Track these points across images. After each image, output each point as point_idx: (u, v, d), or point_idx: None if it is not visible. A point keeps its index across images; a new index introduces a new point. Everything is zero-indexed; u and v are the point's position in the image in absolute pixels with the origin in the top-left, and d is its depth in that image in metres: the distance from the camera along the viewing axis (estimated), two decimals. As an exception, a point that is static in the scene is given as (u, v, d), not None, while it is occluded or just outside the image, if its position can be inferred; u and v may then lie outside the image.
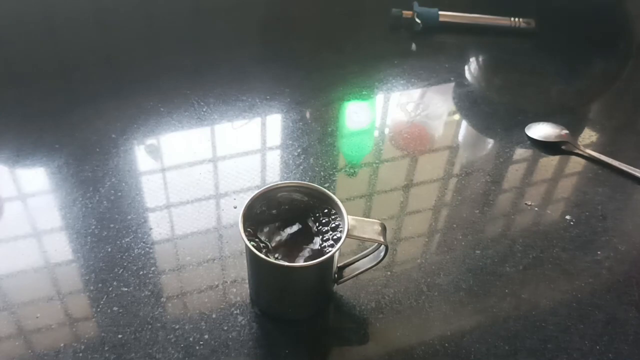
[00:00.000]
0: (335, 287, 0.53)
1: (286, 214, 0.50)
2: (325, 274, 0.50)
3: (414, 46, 0.93)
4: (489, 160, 0.72)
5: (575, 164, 0.72)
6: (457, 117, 0.80)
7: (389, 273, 0.57)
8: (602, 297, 0.56)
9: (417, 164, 0.71)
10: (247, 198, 0.49)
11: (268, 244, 0.48)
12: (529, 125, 0.75)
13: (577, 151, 0.72)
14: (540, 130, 0.74)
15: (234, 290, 0.54)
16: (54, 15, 0.91)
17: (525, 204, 0.66)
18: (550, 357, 0.51)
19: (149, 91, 0.78)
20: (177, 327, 0.51)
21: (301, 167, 0.68)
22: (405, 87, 0.83)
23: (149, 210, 0.62)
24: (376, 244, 0.50)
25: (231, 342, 0.50)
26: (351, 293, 0.54)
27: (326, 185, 0.66)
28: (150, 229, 0.60)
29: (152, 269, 0.56)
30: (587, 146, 0.73)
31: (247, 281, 0.54)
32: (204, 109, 0.75)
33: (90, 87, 0.78)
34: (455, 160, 0.72)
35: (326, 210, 0.50)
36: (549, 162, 0.72)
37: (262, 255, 0.45)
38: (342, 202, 0.49)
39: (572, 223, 0.63)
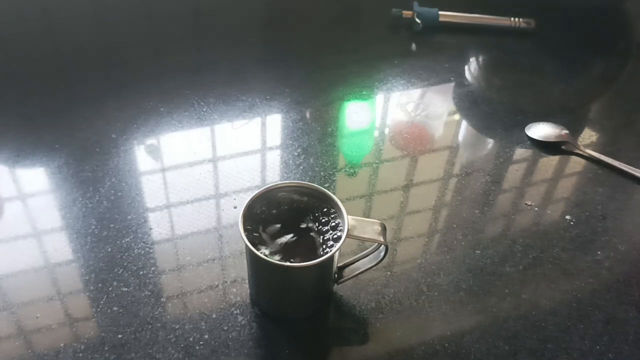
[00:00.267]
0: (335, 287, 0.53)
1: (286, 214, 0.50)
2: (325, 274, 0.51)
3: (414, 46, 0.93)
4: (489, 160, 0.72)
5: (575, 164, 0.72)
6: (457, 117, 0.80)
7: (389, 273, 0.57)
8: (602, 297, 0.56)
9: (417, 164, 0.71)
10: (247, 198, 0.49)
11: (268, 244, 0.48)
12: (529, 125, 0.75)
13: (577, 151, 0.72)
14: (540, 130, 0.74)
15: (234, 290, 0.54)
16: (54, 15, 0.91)
17: (525, 204, 0.66)
18: (550, 357, 0.51)
19: (149, 91, 0.78)
20: (177, 327, 0.51)
21: (301, 167, 0.68)
22: (405, 87, 0.83)
23: (149, 210, 0.62)
24: (376, 244, 0.50)
25: (231, 342, 0.50)
26: (351, 293, 0.54)
27: (326, 185, 0.66)
28: (150, 229, 0.60)
29: (152, 269, 0.56)
30: (587, 146, 0.73)
31: (247, 281, 0.54)
32: (204, 109, 0.75)
33: (90, 87, 0.78)
34: (455, 160, 0.72)
35: (326, 210, 0.50)
36: (549, 162, 0.72)
37: (262, 255, 0.45)
38: (342, 202, 0.49)
39: (572, 223, 0.63)
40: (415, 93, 0.82)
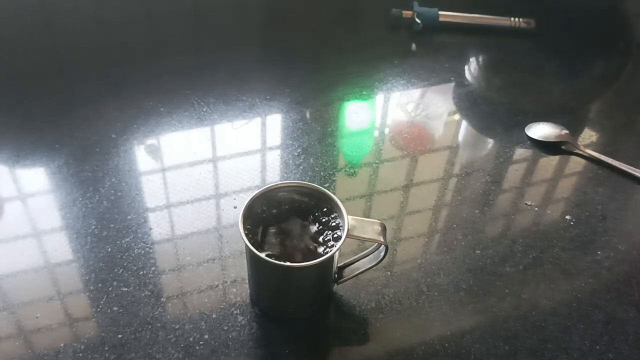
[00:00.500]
0: (335, 287, 0.53)
1: (286, 214, 0.50)
2: (325, 274, 0.51)
3: (414, 46, 0.93)
4: (489, 160, 0.72)
5: (575, 164, 0.72)
6: (457, 117, 0.80)
7: (389, 273, 0.57)
8: (602, 297, 0.56)
9: (417, 164, 0.71)
10: (247, 198, 0.49)
11: (268, 243, 0.48)
12: (529, 125, 0.75)
13: (577, 151, 0.72)
14: (540, 130, 0.74)
15: (234, 290, 0.54)
16: (54, 15, 0.91)
17: (525, 204, 0.66)
18: (550, 357, 0.51)
19: (149, 91, 0.78)
20: (177, 327, 0.51)
21: (301, 167, 0.68)
22: (405, 87, 0.83)
23: (149, 210, 0.62)
24: (376, 244, 0.50)
25: (231, 342, 0.50)
26: (351, 293, 0.54)
27: (326, 185, 0.66)
28: (150, 229, 0.60)
29: (152, 269, 0.56)
30: (587, 146, 0.73)
31: (247, 281, 0.54)
32: (204, 109, 0.75)
33: (90, 87, 0.78)
34: (455, 160, 0.72)
35: (326, 210, 0.50)
36: (549, 162, 0.72)
37: (262, 256, 0.45)
38: (342, 202, 0.49)
39: (572, 223, 0.63)
40: (415, 93, 0.82)
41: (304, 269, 0.46)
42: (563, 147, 0.73)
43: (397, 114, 0.78)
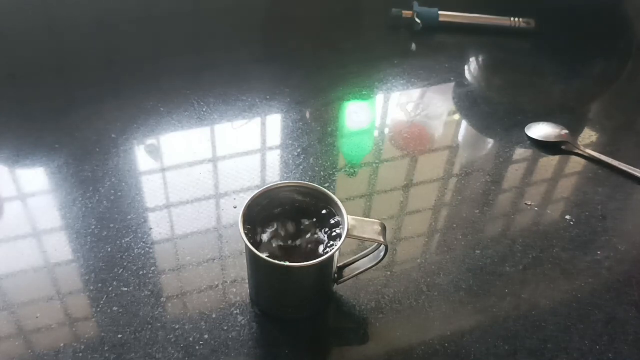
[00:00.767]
0: (335, 287, 0.53)
1: (286, 214, 0.50)
2: (325, 274, 0.50)
3: (414, 46, 0.93)
4: (489, 160, 0.72)
5: (575, 164, 0.72)
6: (457, 117, 0.80)
7: (389, 273, 0.57)
8: (602, 297, 0.56)
9: (417, 164, 0.71)
10: (247, 198, 0.49)
11: (268, 244, 0.48)
12: (529, 125, 0.75)
13: (577, 151, 0.72)
14: (540, 130, 0.74)
15: (234, 290, 0.54)
16: (54, 15, 0.91)
17: (525, 204, 0.66)
18: (550, 357, 0.51)
19: (149, 91, 0.78)
20: (177, 327, 0.51)
21: (301, 167, 0.68)
22: (405, 87, 0.83)
23: (149, 210, 0.62)
24: (376, 244, 0.50)
25: (231, 342, 0.50)
26: (351, 293, 0.54)
27: (326, 185, 0.66)
28: (150, 229, 0.60)
29: (152, 269, 0.56)
30: (587, 146, 0.73)
31: (247, 281, 0.54)
32: (204, 109, 0.75)
33: (90, 87, 0.78)
34: (455, 160, 0.72)
35: (326, 210, 0.50)
36: (549, 162, 0.72)
37: (262, 255, 0.45)
38: (342, 202, 0.49)
39: (572, 223, 0.63)
40: (415, 93, 0.82)
41: (304, 269, 0.46)
42: (563, 147, 0.73)
43: (397, 114, 0.78)
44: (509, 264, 0.58)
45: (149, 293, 0.54)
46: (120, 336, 0.50)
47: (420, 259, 0.59)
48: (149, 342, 0.50)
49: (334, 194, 0.50)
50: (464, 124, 0.79)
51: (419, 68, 0.86)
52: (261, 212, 0.50)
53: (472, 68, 0.90)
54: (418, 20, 0.93)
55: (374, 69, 0.86)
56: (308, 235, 0.49)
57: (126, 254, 0.57)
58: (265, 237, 0.48)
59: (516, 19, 0.95)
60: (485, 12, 0.96)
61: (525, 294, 0.56)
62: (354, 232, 0.48)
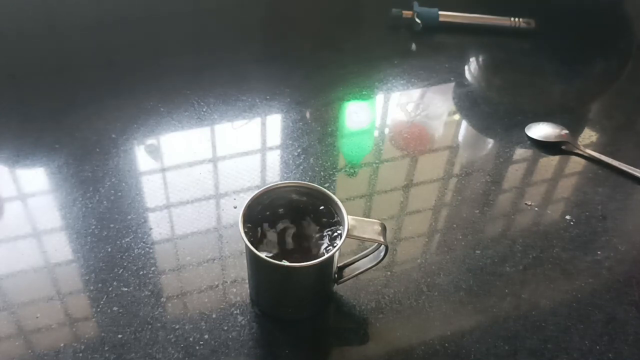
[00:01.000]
0: (335, 287, 0.53)
1: (286, 214, 0.50)
2: (325, 274, 0.50)
3: (414, 46, 0.93)
4: (489, 160, 0.72)
5: (575, 164, 0.72)
6: (457, 117, 0.80)
7: (389, 273, 0.57)
8: (602, 297, 0.56)
9: (417, 164, 0.71)
10: (247, 198, 0.49)
11: (268, 244, 0.48)
12: (529, 125, 0.75)
13: (577, 151, 0.72)
14: (540, 130, 0.74)
15: (234, 290, 0.54)
16: (54, 15, 0.91)
17: (525, 204, 0.66)
18: (550, 357, 0.51)
19: (149, 91, 0.78)
20: (177, 327, 0.51)
21: (301, 167, 0.68)
22: (405, 87, 0.83)
23: (149, 210, 0.62)
24: (376, 244, 0.50)
25: (231, 342, 0.50)
26: (351, 293, 0.54)
27: (326, 185, 0.66)
28: (150, 229, 0.60)
29: (152, 269, 0.56)
30: (587, 146, 0.73)
31: (247, 281, 0.54)
32: (204, 109, 0.75)
33: (90, 87, 0.78)
34: (455, 160, 0.72)
35: (326, 210, 0.50)
36: (549, 162, 0.72)
37: (262, 255, 0.45)
38: (342, 202, 0.49)
39: (572, 223, 0.63)
40: (415, 93, 0.82)
41: (304, 269, 0.46)
42: (563, 147, 0.73)
43: (397, 114, 0.78)
44: (509, 264, 0.58)
45: (149, 293, 0.54)
46: (120, 336, 0.50)
47: (420, 259, 0.59)
48: (149, 342, 0.50)
49: (334, 194, 0.50)
50: (464, 124, 0.79)
51: (419, 68, 0.86)
52: (261, 212, 0.50)
53: (472, 68, 0.90)
54: (418, 20, 0.93)
55: (374, 69, 0.86)
56: (308, 235, 0.49)
57: (126, 254, 0.57)
58: (265, 237, 0.48)
59: (516, 19, 0.95)
60: (485, 12, 0.96)
61: (525, 294, 0.56)
62: (354, 232, 0.48)
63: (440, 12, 0.94)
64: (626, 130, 0.78)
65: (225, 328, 0.51)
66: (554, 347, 0.51)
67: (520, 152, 0.73)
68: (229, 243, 0.59)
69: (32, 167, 0.66)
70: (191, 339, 0.50)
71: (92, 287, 0.54)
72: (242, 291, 0.54)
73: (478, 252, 0.59)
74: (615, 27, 1.01)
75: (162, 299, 0.53)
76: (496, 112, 0.79)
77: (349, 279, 0.52)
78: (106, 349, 0.49)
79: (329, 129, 0.74)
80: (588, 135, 0.77)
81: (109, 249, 0.57)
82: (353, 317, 0.53)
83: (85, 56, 0.85)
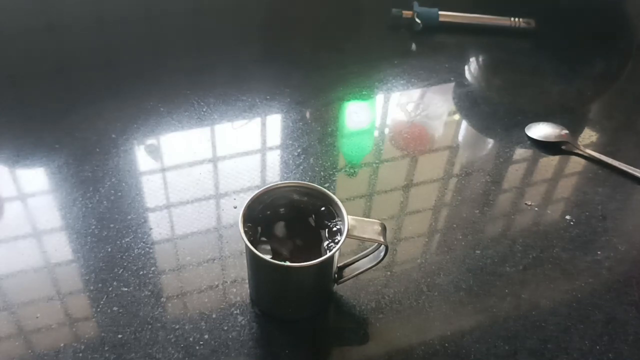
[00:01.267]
0: (335, 287, 0.53)
1: (286, 214, 0.50)
2: (325, 274, 0.50)
3: (414, 46, 0.93)
4: (489, 160, 0.72)
5: (575, 164, 0.72)
6: (457, 117, 0.80)
7: (389, 273, 0.57)
8: (602, 297, 0.56)
9: (417, 164, 0.71)
10: (247, 198, 0.49)
11: (268, 244, 0.48)
12: (529, 125, 0.75)
13: (577, 151, 0.72)
14: (540, 130, 0.74)
15: (234, 290, 0.54)
16: (54, 15, 0.91)
17: (525, 204, 0.66)
18: (550, 357, 0.51)
19: (149, 91, 0.78)
20: (177, 327, 0.51)
21: (301, 167, 0.68)
22: (405, 87, 0.83)
23: (149, 210, 0.62)
24: (376, 244, 0.50)
25: (231, 342, 0.50)
26: (351, 293, 0.54)
27: (326, 185, 0.66)
28: (150, 229, 0.60)
29: (152, 269, 0.56)
30: (587, 146, 0.73)
31: (247, 281, 0.54)
32: (204, 109, 0.75)
33: (90, 87, 0.78)
34: (455, 160, 0.72)
35: (326, 211, 0.50)
36: (549, 162, 0.72)
37: (262, 255, 0.45)
38: (342, 202, 0.49)
39: (572, 223, 0.63)
40: (415, 93, 0.82)
41: (304, 269, 0.46)
42: (563, 147, 0.73)
43: (397, 114, 0.78)
44: (509, 264, 0.58)
45: (149, 293, 0.54)
46: (120, 336, 0.50)
47: (420, 259, 0.59)
48: (149, 342, 0.50)
49: (334, 194, 0.50)
50: (464, 124, 0.79)
51: (419, 68, 0.86)
52: (261, 212, 0.50)
53: (472, 68, 0.90)
54: (418, 20, 0.93)
55: (374, 69, 0.86)
56: (308, 235, 0.49)
57: (126, 254, 0.57)
58: (265, 237, 0.48)
59: (516, 19, 0.95)
60: (485, 12, 0.96)
61: (525, 294, 0.56)
62: (354, 232, 0.48)
63: (440, 12, 0.94)
64: (626, 130, 0.78)
65: (225, 328, 0.51)
66: (554, 347, 0.51)
67: (520, 152, 0.73)
68: (229, 243, 0.59)
69: (32, 167, 0.66)
70: (191, 339, 0.50)
71: (92, 287, 0.54)
72: (242, 291, 0.54)
73: (478, 252, 0.59)
74: (615, 27, 1.01)
75: (162, 299, 0.53)
76: (496, 112, 0.79)
77: (349, 279, 0.52)
78: (106, 349, 0.49)
79: (329, 129, 0.74)
80: (588, 135, 0.77)
81: (109, 249, 0.57)
82: (353, 317, 0.53)
83: (85, 56, 0.85)
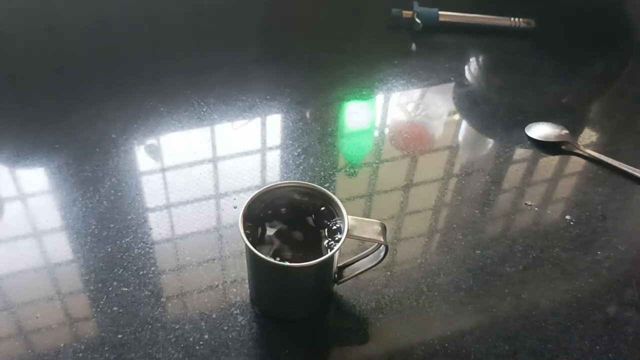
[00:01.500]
0: (335, 287, 0.53)
1: (286, 214, 0.50)
2: (325, 274, 0.50)
3: (414, 46, 0.93)
4: (489, 160, 0.72)
5: (575, 164, 0.72)
6: (457, 117, 0.80)
7: (389, 273, 0.57)
8: (602, 297, 0.56)
9: (417, 164, 0.71)
10: (247, 198, 0.49)
11: (268, 244, 0.48)
12: (529, 125, 0.75)
13: (577, 151, 0.72)
14: (540, 130, 0.74)
15: (234, 290, 0.54)
16: (54, 15, 0.91)
17: (525, 204, 0.66)
18: (550, 357, 0.51)
19: (149, 91, 0.78)
20: (177, 327, 0.51)
21: (301, 167, 0.68)
22: (405, 87, 0.83)
23: (149, 210, 0.62)
24: (376, 244, 0.50)
25: (231, 342, 0.50)
26: (351, 293, 0.54)
27: (326, 185, 0.66)
28: (150, 229, 0.60)
29: (152, 269, 0.56)
30: (587, 146, 0.73)
31: (247, 281, 0.54)
32: (204, 109, 0.75)
33: (90, 87, 0.78)
34: (455, 160, 0.72)
35: (326, 210, 0.50)
36: (549, 162, 0.72)
37: (262, 255, 0.45)
38: (342, 202, 0.49)
39: (572, 223, 0.63)
40: (415, 93, 0.82)
41: (304, 269, 0.46)
42: (563, 147, 0.73)
43: (397, 114, 0.78)
44: (509, 264, 0.58)
45: (149, 293, 0.54)
46: (120, 336, 0.50)
47: (420, 259, 0.59)
48: (149, 342, 0.50)
49: (334, 194, 0.50)
50: (464, 124, 0.79)
51: (419, 68, 0.86)
52: (261, 212, 0.50)
53: (472, 68, 0.90)
54: (418, 20, 0.93)
55: (374, 69, 0.86)
56: (308, 235, 0.49)
57: (126, 254, 0.57)
58: (265, 237, 0.48)
59: (516, 19, 0.95)
60: (485, 12, 0.96)
61: (525, 294, 0.56)
62: (354, 232, 0.48)
63: (440, 12, 0.94)
64: (626, 130, 0.78)
65: (225, 328, 0.51)
66: (554, 347, 0.51)
67: (520, 152, 0.73)
68: (229, 243, 0.59)
69: (32, 167, 0.66)
70: (191, 339, 0.50)
71: (92, 287, 0.54)
72: (242, 291, 0.54)
73: (478, 252, 0.59)
74: (615, 27, 1.01)
75: (162, 299, 0.53)
76: (496, 112, 0.79)
77: (349, 279, 0.52)
78: (106, 349, 0.49)
79: (329, 129, 0.74)
80: (588, 135, 0.77)
81: (109, 249, 0.57)
82: (353, 317, 0.53)
83: (85, 56, 0.85)
